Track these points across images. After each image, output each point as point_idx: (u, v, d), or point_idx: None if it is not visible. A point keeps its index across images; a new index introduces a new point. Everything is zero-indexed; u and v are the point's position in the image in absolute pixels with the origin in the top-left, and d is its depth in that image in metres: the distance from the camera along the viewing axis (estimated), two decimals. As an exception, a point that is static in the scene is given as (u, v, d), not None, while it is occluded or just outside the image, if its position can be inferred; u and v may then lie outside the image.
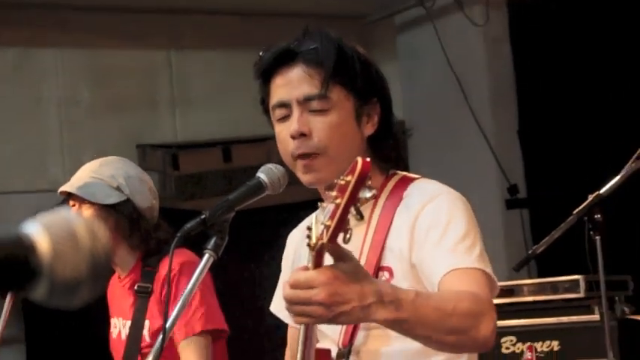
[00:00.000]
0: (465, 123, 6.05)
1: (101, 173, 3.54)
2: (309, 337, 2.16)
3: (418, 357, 2.26)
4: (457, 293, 2.15)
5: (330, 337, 2.28)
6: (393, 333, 2.15)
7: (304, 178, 2.33)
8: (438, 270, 2.19)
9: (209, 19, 6.74)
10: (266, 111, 2.37)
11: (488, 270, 2.21)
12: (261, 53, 2.37)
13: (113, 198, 3.48)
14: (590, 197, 3.69)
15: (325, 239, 1.86)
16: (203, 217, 2.23)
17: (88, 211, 3.48)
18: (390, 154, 2.45)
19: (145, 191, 3.61)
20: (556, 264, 4.84)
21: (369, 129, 2.37)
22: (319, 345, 2.35)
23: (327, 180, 2.30)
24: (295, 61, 2.29)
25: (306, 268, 1.93)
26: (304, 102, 2.29)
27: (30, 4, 6.11)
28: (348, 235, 1.90)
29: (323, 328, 2.26)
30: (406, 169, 2.49)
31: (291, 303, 1.94)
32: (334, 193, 1.90)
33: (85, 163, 5.67)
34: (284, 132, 2.30)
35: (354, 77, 2.32)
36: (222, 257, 2.45)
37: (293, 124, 2.27)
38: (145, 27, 6.52)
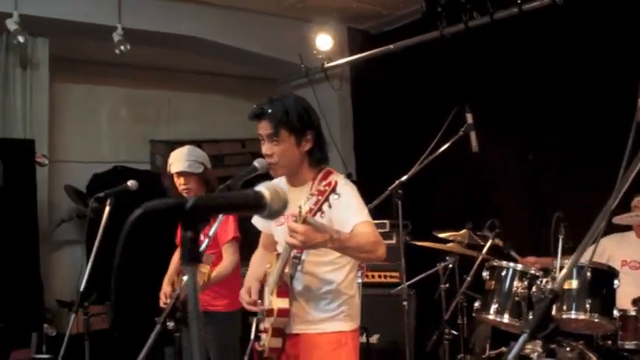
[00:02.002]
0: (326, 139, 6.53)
1: (191, 156, 4.05)
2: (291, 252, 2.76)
3: (330, 264, 2.88)
4: (364, 234, 2.71)
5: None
6: (320, 252, 2.77)
7: (273, 173, 2.90)
8: (350, 222, 2.73)
9: (188, 75, 7.64)
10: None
11: (370, 220, 2.79)
12: (254, 106, 2.86)
13: (200, 169, 4.04)
14: (397, 182, 4.31)
15: (309, 215, 2.51)
16: (228, 183, 2.81)
17: (191, 177, 3.99)
18: (320, 158, 2.90)
19: (208, 162, 4.13)
20: (377, 215, 4.75)
21: (306, 147, 2.84)
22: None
23: (283, 175, 2.92)
24: (263, 117, 2.81)
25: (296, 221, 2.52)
26: (267, 138, 2.81)
27: (91, 61, 6.85)
28: (321, 215, 2.56)
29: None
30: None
31: (290, 236, 2.52)
32: (316, 192, 2.54)
33: (121, 149, 6.82)
34: (262, 148, 2.86)
35: (292, 125, 2.79)
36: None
37: (264, 149, 2.84)
38: (156, 77, 7.41)
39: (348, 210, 2.76)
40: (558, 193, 5.64)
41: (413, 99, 6.56)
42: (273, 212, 1.41)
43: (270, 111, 2.80)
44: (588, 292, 3.91)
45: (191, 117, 7.67)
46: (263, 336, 3.00)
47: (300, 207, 2.51)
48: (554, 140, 5.72)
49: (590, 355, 4.14)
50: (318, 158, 2.90)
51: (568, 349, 4.15)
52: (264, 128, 2.82)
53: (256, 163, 2.85)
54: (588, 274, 3.93)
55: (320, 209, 2.51)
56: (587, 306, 3.88)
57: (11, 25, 5.38)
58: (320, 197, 2.50)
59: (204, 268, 3.67)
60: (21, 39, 5.40)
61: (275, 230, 3.05)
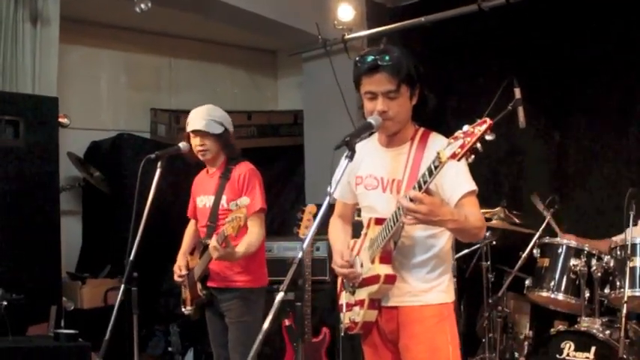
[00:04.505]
0: (342, 114, 6.31)
1: (211, 114, 3.92)
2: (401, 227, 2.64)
3: (431, 238, 2.75)
4: (475, 217, 2.58)
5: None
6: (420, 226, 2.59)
7: (384, 130, 2.76)
8: (459, 191, 2.62)
9: (189, 42, 7.49)
10: (357, 89, 2.74)
11: (476, 188, 2.66)
12: (357, 59, 2.72)
13: (219, 130, 3.91)
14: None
15: (456, 158, 2.20)
16: (347, 139, 2.48)
17: (207, 137, 3.89)
18: (425, 113, 2.82)
19: (229, 124, 4.00)
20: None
21: (414, 101, 2.74)
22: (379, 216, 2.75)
23: (394, 131, 2.77)
24: (380, 69, 2.64)
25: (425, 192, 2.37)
26: (385, 93, 2.65)
27: (92, 22, 6.66)
28: (469, 160, 2.24)
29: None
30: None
31: (408, 209, 2.38)
32: (462, 134, 2.21)
33: (121, 116, 6.68)
34: (371, 105, 2.68)
35: (411, 79, 2.68)
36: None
37: (379, 105, 2.66)
38: (157, 42, 7.24)
39: (463, 174, 2.64)
40: (584, 172, 5.66)
41: (434, 72, 6.45)
42: None
43: (389, 63, 2.63)
44: (657, 269, 3.91)
45: (192, 86, 7.47)
46: (356, 309, 2.81)
47: (438, 153, 2.24)
48: (581, 120, 5.71)
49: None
50: (422, 114, 2.79)
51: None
52: (379, 82, 2.64)
53: (371, 120, 2.65)
54: (656, 252, 3.96)
55: (467, 153, 2.19)
56: (658, 284, 3.90)
57: (25, -25, 5.02)
58: (469, 138, 2.16)
59: (240, 212, 3.43)
60: (37, -10, 5.07)
61: (365, 195, 2.87)
